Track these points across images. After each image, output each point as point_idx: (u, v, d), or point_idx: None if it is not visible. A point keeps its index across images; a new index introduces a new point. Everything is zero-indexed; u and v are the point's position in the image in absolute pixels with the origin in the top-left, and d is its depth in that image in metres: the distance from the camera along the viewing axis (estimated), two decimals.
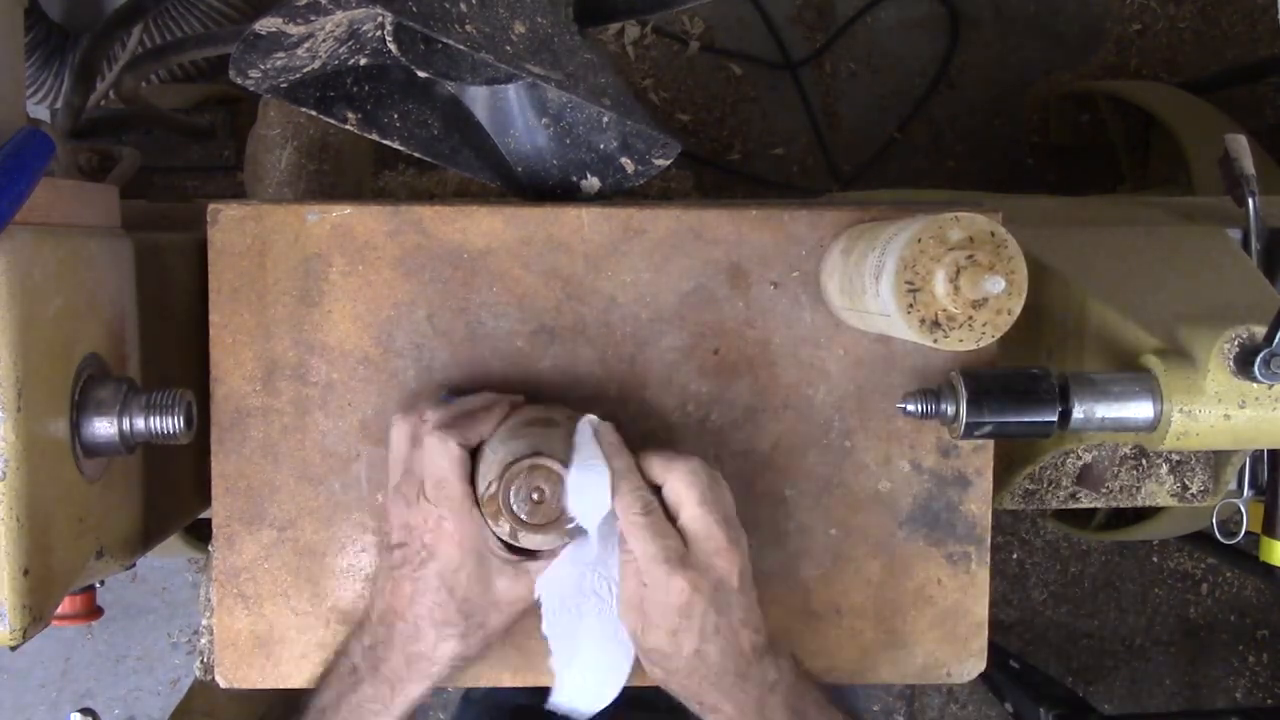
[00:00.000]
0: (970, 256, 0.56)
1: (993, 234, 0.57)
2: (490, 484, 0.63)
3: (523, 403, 0.70)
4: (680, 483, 0.64)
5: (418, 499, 0.65)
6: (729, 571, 0.63)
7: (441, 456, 0.64)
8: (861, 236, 0.67)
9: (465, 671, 0.70)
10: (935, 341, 0.57)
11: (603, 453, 0.65)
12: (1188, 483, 0.89)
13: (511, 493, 0.62)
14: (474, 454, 0.66)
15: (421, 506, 0.65)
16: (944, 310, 0.57)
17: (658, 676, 0.66)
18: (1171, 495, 0.90)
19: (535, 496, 0.63)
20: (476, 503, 0.64)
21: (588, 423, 0.66)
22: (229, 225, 0.71)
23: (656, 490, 0.65)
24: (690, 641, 0.63)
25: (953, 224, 0.57)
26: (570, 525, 0.64)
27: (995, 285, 0.55)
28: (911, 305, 0.57)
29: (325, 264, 0.72)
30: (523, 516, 0.63)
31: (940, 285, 0.56)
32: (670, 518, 0.64)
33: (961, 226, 0.57)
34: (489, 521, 0.64)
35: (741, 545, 0.65)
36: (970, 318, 0.57)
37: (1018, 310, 0.57)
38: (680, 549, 0.63)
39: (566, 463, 0.63)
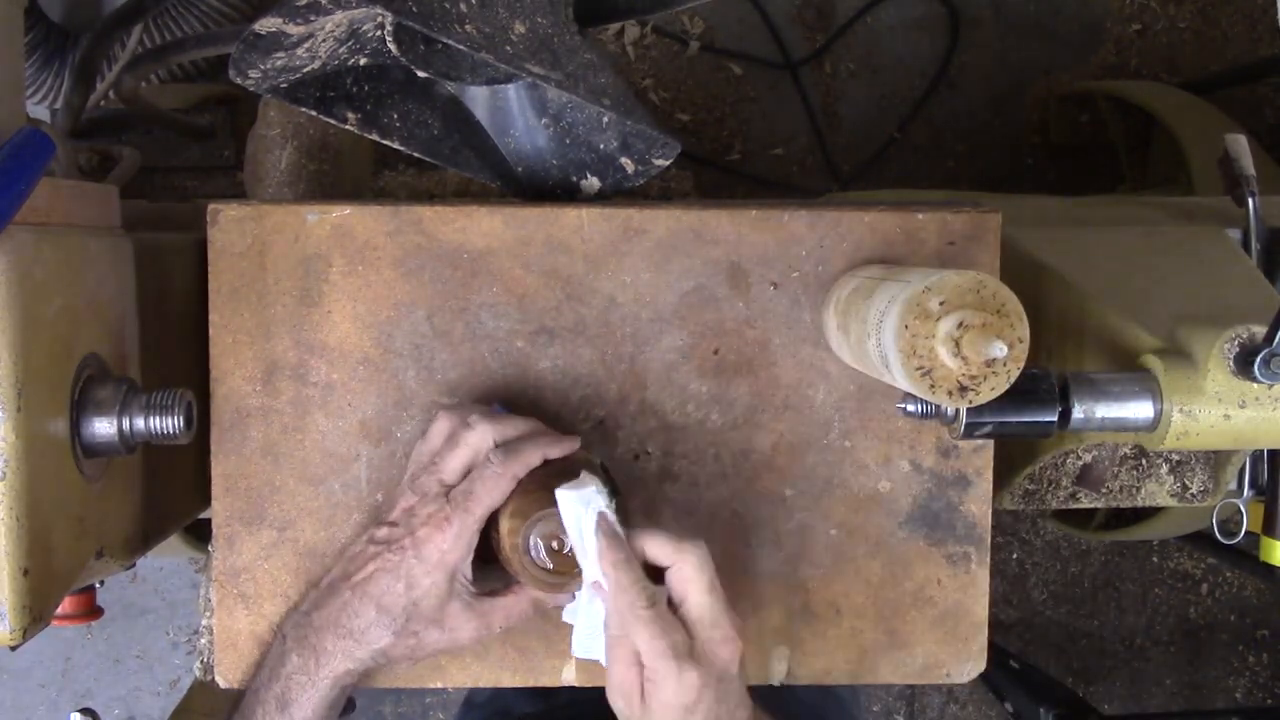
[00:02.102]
0: (960, 324, 0.55)
1: (970, 288, 0.56)
2: (514, 529, 0.64)
3: (578, 446, 0.68)
4: (690, 569, 0.63)
5: (435, 495, 0.65)
6: (732, 659, 0.62)
7: (491, 478, 0.64)
8: (850, 314, 0.66)
9: (377, 675, 0.70)
10: (971, 401, 0.57)
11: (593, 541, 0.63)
12: (1188, 483, 0.89)
13: (532, 540, 0.63)
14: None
15: (435, 501, 0.65)
16: (963, 375, 0.56)
17: None
18: (1171, 495, 0.90)
19: (556, 545, 0.63)
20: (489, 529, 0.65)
21: (585, 501, 0.64)
22: (229, 225, 0.71)
23: (654, 571, 0.64)
24: None
25: (928, 296, 0.56)
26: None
27: (998, 350, 0.54)
28: (933, 385, 0.56)
29: (325, 264, 0.72)
30: (541, 563, 0.64)
31: (948, 360, 0.56)
32: (671, 604, 0.63)
33: (936, 293, 0.56)
34: (516, 561, 0.64)
35: (742, 633, 0.64)
36: (992, 369, 0.57)
37: (1027, 332, 0.56)
38: (687, 643, 0.62)
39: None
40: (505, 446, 0.65)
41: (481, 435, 0.65)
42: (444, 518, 0.64)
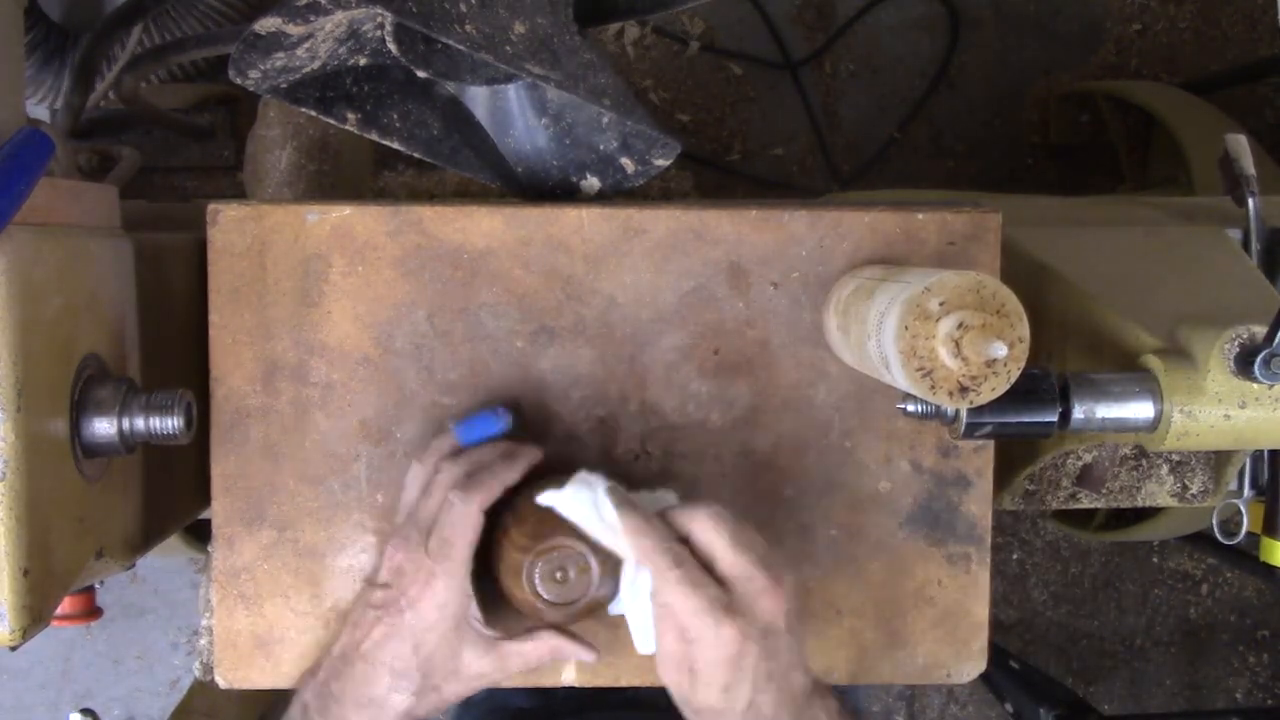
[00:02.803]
0: (960, 325, 0.55)
1: (969, 288, 0.56)
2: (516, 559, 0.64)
3: (540, 458, 0.68)
4: (707, 528, 0.62)
5: (416, 548, 0.65)
6: (775, 613, 0.61)
7: (458, 518, 0.64)
8: (850, 315, 0.66)
9: None
10: (972, 402, 0.57)
11: (611, 514, 0.63)
12: (1188, 483, 0.89)
13: (537, 573, 0.63)
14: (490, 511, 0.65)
15: (417, 556, 0.64)
16: (963, 376, 0.56)
17: None
18: (1171, 496, 0.90)
19: (559, 576, 0.63)
20: (477, 569, 0.65)
21: (586, 484, 0.64)
22: (229, 225, 0.71)
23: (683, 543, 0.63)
24: (744, 694, 0.60)
25: (928, 296, 0.56)
26: (592, 598, 0.64)
27: (998, 350, 0.54)
28: (933, 386, 0.56)
29: (325, 264, 0.72)
30: (546, 596, 0.64)
31: (948, 360, 0.56)
32: (705, 566, 0.62)
33: (936, 293, 0.56)
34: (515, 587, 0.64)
35: (785, 584, 0.62)
36: (992, 370, 0.57)
37: (1027, 333, 0.56)
38: (724, 597, 0.60)
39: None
40: (464, 482, 0.65)
41: (450, 476, 0.65)
42: (429, 572, 0.64)
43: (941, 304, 0.56)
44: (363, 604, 0.67)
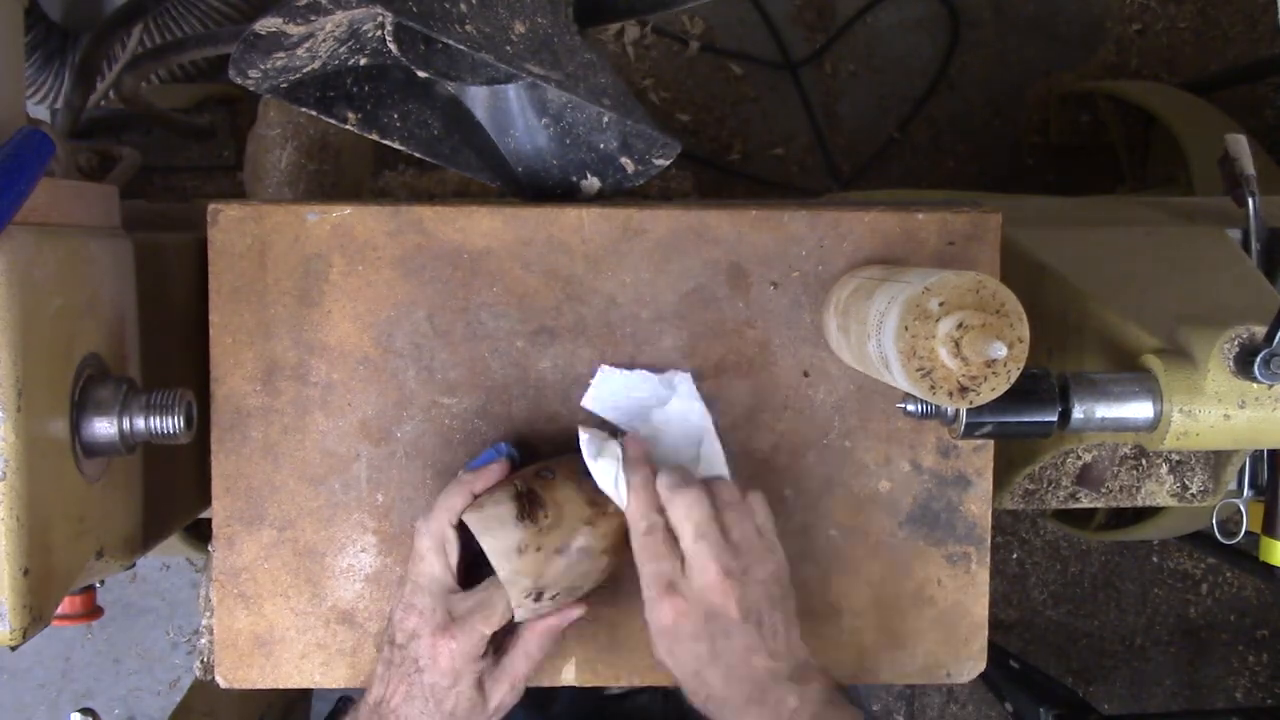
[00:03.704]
0: (960, 325, 0.55)
1: (969, 288, 0.56)
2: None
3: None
4: (679, 514, 0.65)
5: (430, 615, 0.66)
6: (723, 604, 0.63)
7: (428, 536, 0.66)
8: (850, 315, 0.66)
9: None
10: (972, 402, 0.57)
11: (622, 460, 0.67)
12: (1188, 483, 0.89)
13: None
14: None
15: (428, 618, 0.66)
16: (963, 376, 0.56)
17: (686, 691, 0.66)
18: (1171, 495, 0.90)
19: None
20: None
21: (603, 440, 0.67)
22: (229, 225, 0.71)
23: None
24: (687, 663, 0.64)
25: (927, 296, 0.56)
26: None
27: (998, 350, 0.54)
28: (933, 386, 0.56)
29: (325, 264, 0.72)
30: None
31: (948, 360, 0.56)
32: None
33: (936, 293, 0.56)
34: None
35: (749, 576, 0.64)
36: (992, 370, 0.57)
37: (1027, 333, 0.56)
38: (672, 573, 0.64)
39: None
40: (425, 514, 0.67)
41: (434, 531, 0.67)
42: (450, 635, 0.65)
43: (941, 304, 0.56)
44: (383, 662, 0.68)
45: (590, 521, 0.66)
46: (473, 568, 0.67)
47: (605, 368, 0.72)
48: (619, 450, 0.67)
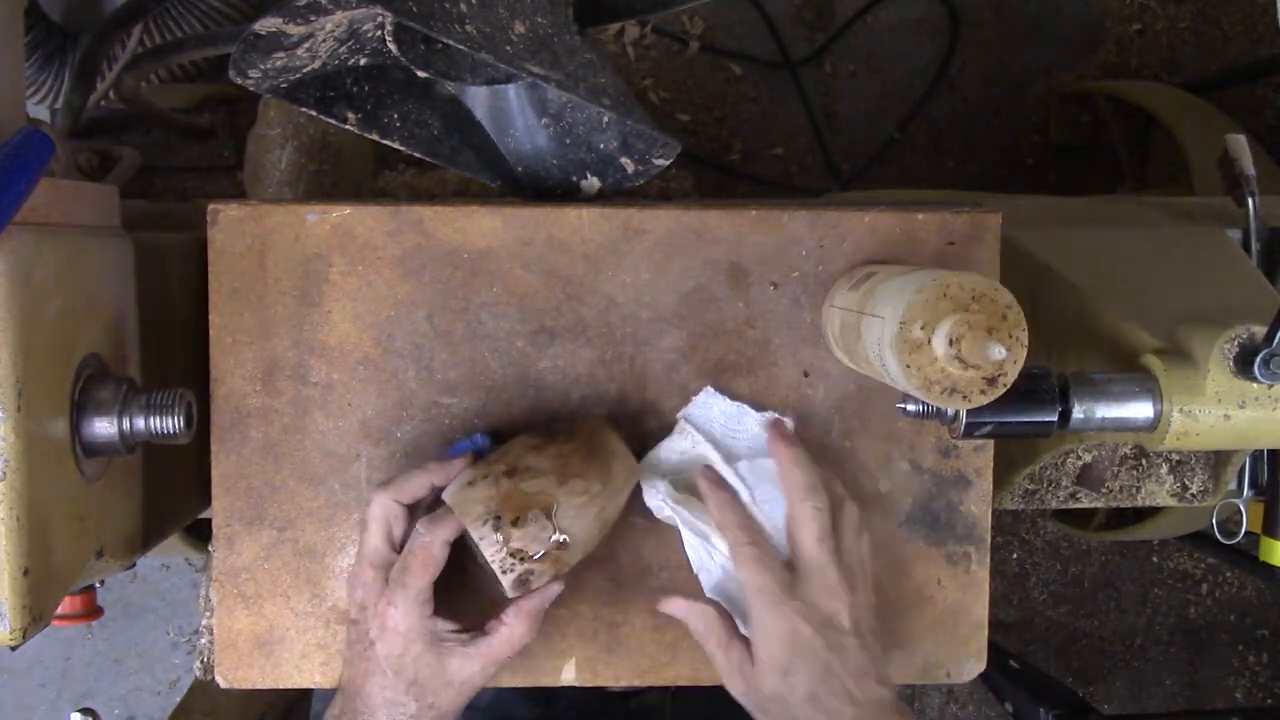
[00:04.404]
0: (959, 326, 0.55)
1: (968, 289, 0.56)
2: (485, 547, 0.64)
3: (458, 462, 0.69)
4: (806, 515, 0.64)
5: (373, 582, 0.66)
6: (838, 611, 0.62)
7: (420, 548, 0.65)
8: (850, 315, 0.66)
9: None
10: (972, 403, 0.57)
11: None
12: (1188, 483, 0.89)
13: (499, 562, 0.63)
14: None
15: (375, 590, 0.66)
16: (962, 377, 0.56)
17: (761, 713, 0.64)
18: (1171, 495, 0.90)
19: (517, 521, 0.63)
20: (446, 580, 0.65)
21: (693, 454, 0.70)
22: (229, 225, 0.71)
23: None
24: (802, 681, 0.61)
25: (927, 297, 0.56)
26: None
27: (998, 352, 0.54)
28: (933, 387, 0.56)
29: (325, 264, 0.72)
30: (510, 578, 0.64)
31: (948, 361, 0.56)
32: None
33: (935, 294, 0.56)
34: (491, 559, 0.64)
35: (859, 593, 0.64)
36: (991, 370, 0.56)
37: (1026, 333, 0.56)
38: (788, 578, 0.63)
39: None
40: (431, 515, 0.66)
41: (379, 504, 0.66)
42: (387, 601, 0.65)
43: (941, 305, 0.56)
44: (348, 642, 0.68)
45: (534, 446, 0.65)
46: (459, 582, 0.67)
47: (710, 390, 0.72)
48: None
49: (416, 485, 0.67)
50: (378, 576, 0.66)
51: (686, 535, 0.69)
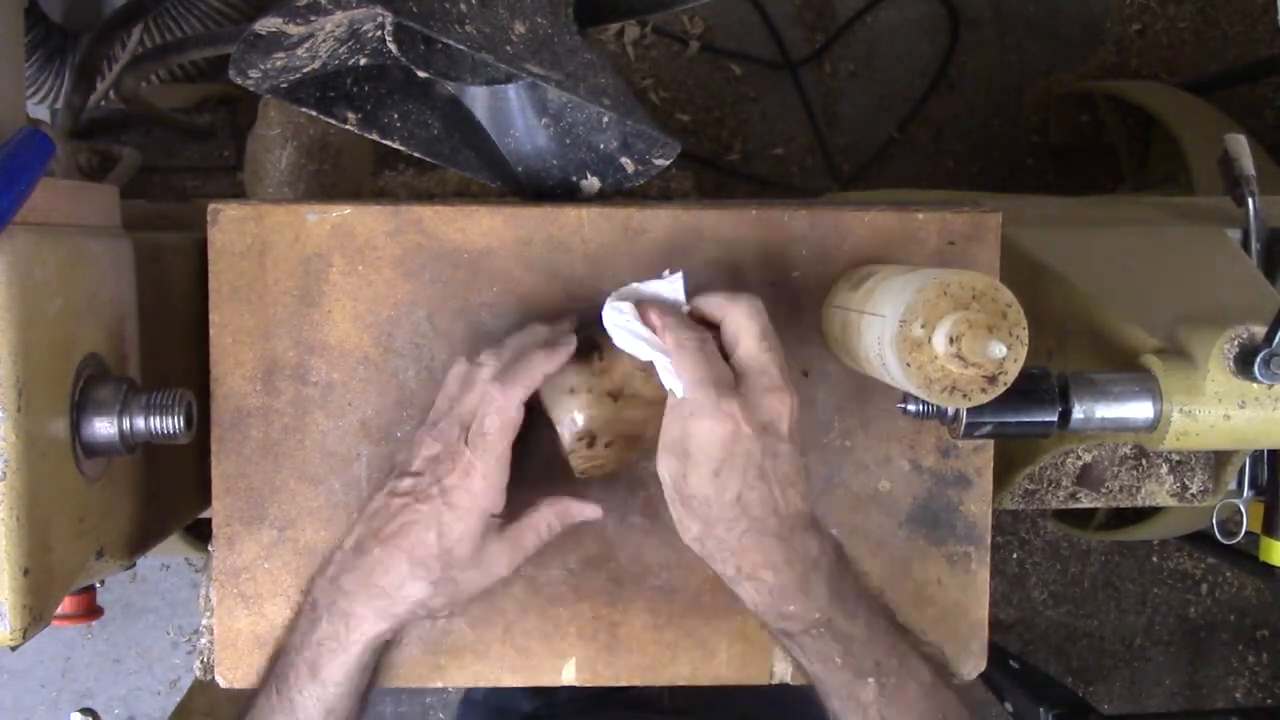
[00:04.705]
0: (960, 325, 0.55)
1: (968, 288, 0.56)
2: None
3: (570, 348, 0.67)
4: (742, 316, 0.62)
5: (455, 439, 0.64)
6: (780, 414, 0.61)
7: (497, 410, 0.63)
8: (850, 315, 0.66)
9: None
10: (972, 402, 0.57)
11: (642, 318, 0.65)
12: (1188, 483, 0.89)
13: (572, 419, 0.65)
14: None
15: (456, 447, 0.64)
16: (962, 376, 0.56)
17: (694, 533, 0.62)
18: (1171, 495, 0.90)
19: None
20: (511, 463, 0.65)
21: (616, 309, 0.65)
22: (229, 225, 0.71)
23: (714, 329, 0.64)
24: (733, 483, 0.60)
25: (927, 296, 0.56)
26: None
27: (998, 351, 0.54)
28: (933, 386, 0.57)
29: (325, 264, 0.72)
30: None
31: (948, 361, 0.56)
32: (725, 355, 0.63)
33: (935, 293, 0.56)
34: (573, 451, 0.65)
35: (795, 395, 0.62)
36: (991, 370, 0.56)
37: (1026, 333, 0.56)
38: (731, 378, 0.61)
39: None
40: (502, 375, 0.64)
41: (490, 370, 0.65)
42: (468, 463, 0.63)
43: (941, 304, 0.56)
44: (386, 493, 0.66)
45: (643, 369, 0.65)
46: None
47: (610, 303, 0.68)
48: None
49: (532, 378, 0.64)
50: (463, 437, 0.63)
51: (650, 354, 0.66)
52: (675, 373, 0.62)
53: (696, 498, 0.61)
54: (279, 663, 0.68)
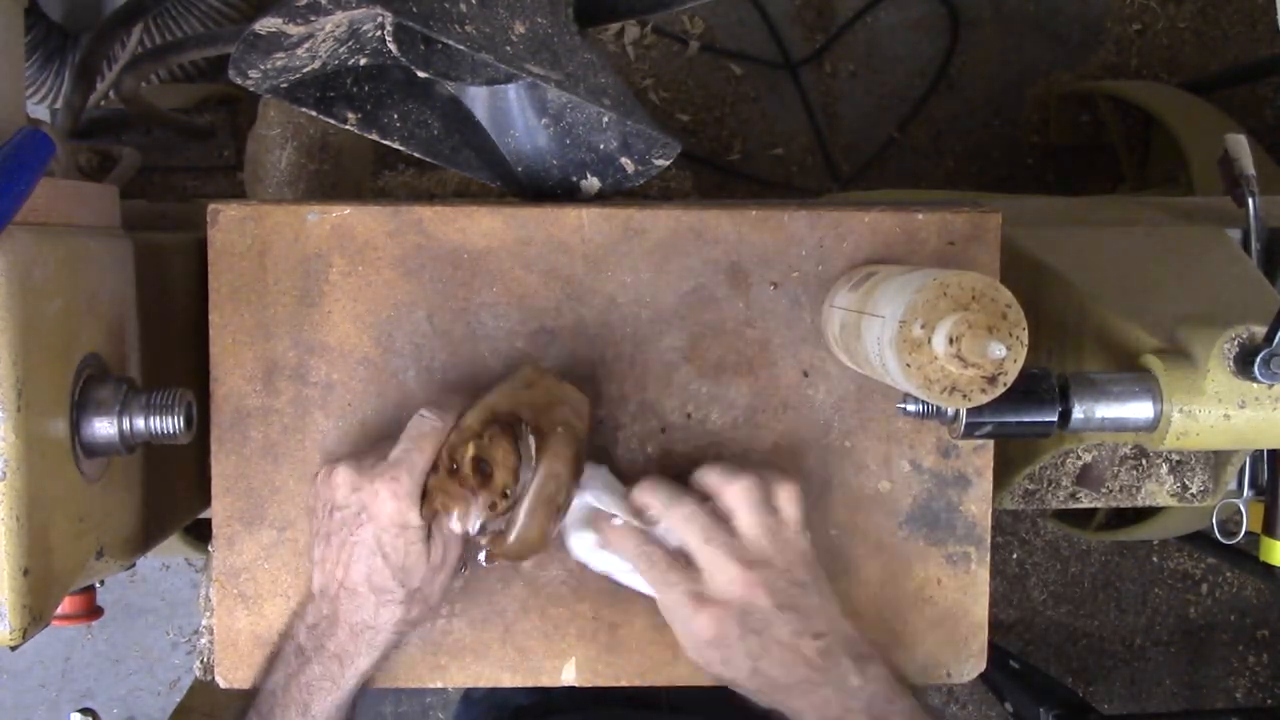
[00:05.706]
0: (959, 325, 0.55)
1: (968, 288, 0.56)
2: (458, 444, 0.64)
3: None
4: (680, 528, 0.66)
5: (368, 467, 0.65)
6: (751, 596, 0.64)
7: (420, 426, 0.65)
8: (850, 315, 0.66)
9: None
10: (972, 402, 0.57)
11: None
12: (1188, 483, 0.89)
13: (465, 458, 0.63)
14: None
15: (368, 472, 0.65)
16: (962, 377, 0.56)
17: (764, 702, 0.66)
18: (1171, 495, 0.90)
19: (484, 468, 0.63)
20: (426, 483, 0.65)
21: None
22: (229, 225, 0.71)
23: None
24: (742, 664, 0.64)
25: (927, 296, 0.56)
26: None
27: (997, 351, 0.54)
28: (933, 387, 0.57)
29: (325, 264, 0.72)
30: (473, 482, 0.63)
31: (948, 361, 0.56)
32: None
33: (935, 294, 0.56)
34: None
35: (771, 565, 0.65)
36: (991, 370, 0.56)
37: (1026, 333, 0.56)
38: (695, 587, 0.65)
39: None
40: (438, 400, 0.67)
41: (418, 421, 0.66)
42: (380, 477, 0.64)
43: (941, 304, 0.56)
44: (321, 538, 0.67)
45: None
46: None
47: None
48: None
49: (460, 405, 0.67)
50: (376, 464, 0.65)
51: (625, 575, 0.70)
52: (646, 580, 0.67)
53: (723, 679, 0.66)
54: (261, 702, 0.68)
